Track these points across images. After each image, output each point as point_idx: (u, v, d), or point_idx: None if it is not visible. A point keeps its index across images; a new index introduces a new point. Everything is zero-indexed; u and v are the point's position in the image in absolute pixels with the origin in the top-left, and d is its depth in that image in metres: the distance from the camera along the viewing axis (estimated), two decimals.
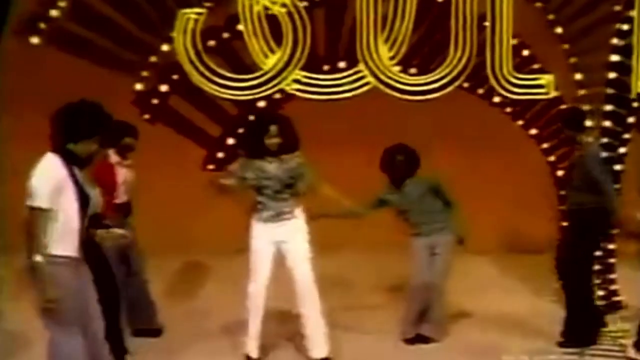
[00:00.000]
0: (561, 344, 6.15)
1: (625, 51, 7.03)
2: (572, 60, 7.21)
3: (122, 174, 6.06)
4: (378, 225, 7.07)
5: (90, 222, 4.35)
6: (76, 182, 4.14)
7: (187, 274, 8.63)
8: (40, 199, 4.02)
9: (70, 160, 4.16)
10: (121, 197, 6.04)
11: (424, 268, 6.34)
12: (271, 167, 5.72)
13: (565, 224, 6.71)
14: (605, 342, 6.22)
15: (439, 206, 6.40)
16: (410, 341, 6.35)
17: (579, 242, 6.20)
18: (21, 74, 7.92)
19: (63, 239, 4.10)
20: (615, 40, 7.07)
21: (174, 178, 8.40)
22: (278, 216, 5.74)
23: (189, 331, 6.53)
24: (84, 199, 4.16)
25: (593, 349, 6.10)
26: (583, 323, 6.22)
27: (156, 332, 6.41)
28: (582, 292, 6.29)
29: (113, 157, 6.01)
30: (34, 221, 4.02)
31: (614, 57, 7.08)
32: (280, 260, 5.79)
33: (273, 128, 5.66)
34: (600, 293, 7.07)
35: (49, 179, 4.06)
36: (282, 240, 5.75)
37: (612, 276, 7.31)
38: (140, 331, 6.25)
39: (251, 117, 6.94)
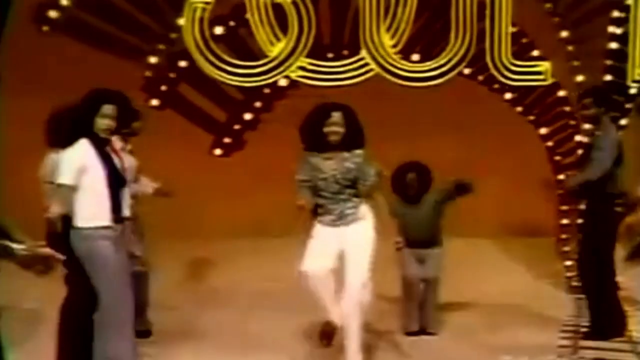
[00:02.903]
0: (587, 336, 6.00)
1: (622, 39, 7.18)
2: (570, 47, 7.34)
3: (127, 160, 5.66)
4: None
5: None
6: (106, 162, 4.48)
7: (198, 258, 8.65)
8: (62, 177, 4.42)
9: (99, 142, 4.51)
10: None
11: (413, 264, 6.20)
12: (327, 165, 5.12)
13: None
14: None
15: (436, 224, 6.30)
16: (413, 334, 6.23)
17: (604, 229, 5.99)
18: (28, 64, 8.09)
19: (95, 212, 4.46)
20: (612, 28, 7.23)
21: (182, 162, 8.54)
22: (341, 219, 5.15)
23: (202, 316, 6.61)
24: (116, 179, 4.50)
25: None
26: (609, 314, 6.03)
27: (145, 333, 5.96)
28: (605, 281, 6.07)
29: (117, 142, 5.63)
30: (59, 196, 4.42)
31: (611, 45, 7.25)
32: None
33: (336, 115, 5.08)
34: None
35: (73, 159, 4.43)
36: (345, 246, 5.11)
37: None
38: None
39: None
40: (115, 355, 4.47)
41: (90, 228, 4.41)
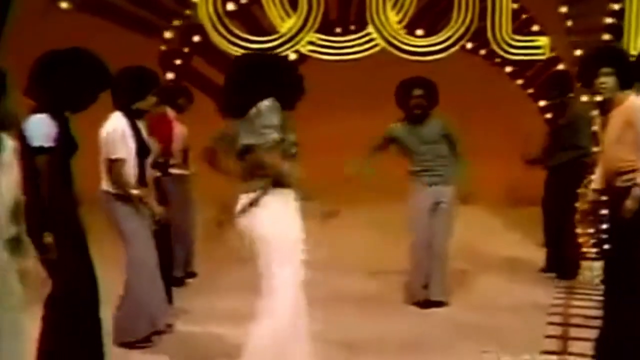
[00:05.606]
0: (543, 270, 6.78)
1: (620, 14, 7.41)
2: (569, 23, 7.59)
3: (178, 127, 6.56)
4: None
5: (156, 167, 5.26)
6: (137, 134, 4.78)
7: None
8: (120, 152, 4.68)
9: (133, 115, 4.81)
10: (178, 147, 6.53)
11: (425, 223, 5.79)
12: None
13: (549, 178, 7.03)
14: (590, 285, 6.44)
15: (446, 155, 5.86)
16: (420, 305, 5.84)
17: (563, 196, 6.64)
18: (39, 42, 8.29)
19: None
20: (610, 4, 7.46)
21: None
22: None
23: (226, 274, 6.67)
24: (143, 149, 4.81)
25: (580, 289, 6.39)
26: (565, 260, 6.77)
27: (190, 275, 6.77)
28: (566, 236, 6.80)
29: (170, 112, 6.51)
30: (118, 170, 4.68)
31: (609, 20, 7.48)
32: None
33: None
34: (592, 241, 7.50)
35: (121, 133, 4.71)
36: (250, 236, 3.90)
37: (603, 226, 7.73)
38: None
39: None
40: (147, 302, 4.82)
41: (118, 194, 4.72)
